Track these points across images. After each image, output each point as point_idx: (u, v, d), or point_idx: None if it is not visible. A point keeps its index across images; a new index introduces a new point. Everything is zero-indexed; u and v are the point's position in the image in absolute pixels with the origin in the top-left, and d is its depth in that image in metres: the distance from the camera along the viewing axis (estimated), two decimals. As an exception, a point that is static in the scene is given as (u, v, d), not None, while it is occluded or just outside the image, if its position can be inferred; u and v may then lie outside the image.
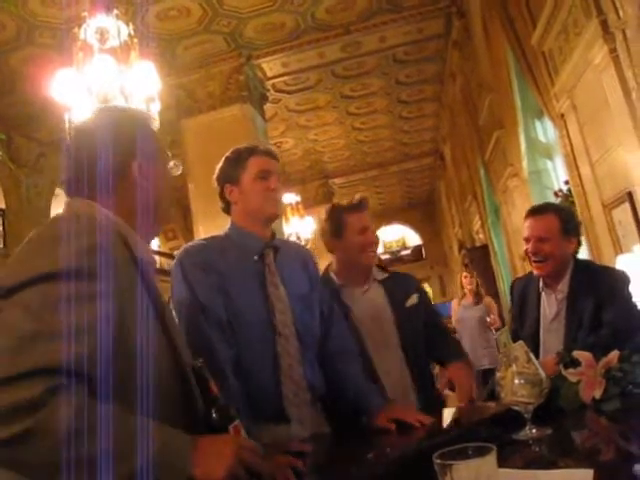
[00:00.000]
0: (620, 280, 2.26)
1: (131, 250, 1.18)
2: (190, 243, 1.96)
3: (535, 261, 2.28)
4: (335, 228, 2.22)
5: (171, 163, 1.41)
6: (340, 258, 2.28)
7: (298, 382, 1.81)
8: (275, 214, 1.93)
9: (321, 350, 1.94)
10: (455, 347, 2.37)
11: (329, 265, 2.33)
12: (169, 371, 1.18)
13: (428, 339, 2.26)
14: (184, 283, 1.77)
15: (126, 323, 1.09)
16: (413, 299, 2.25)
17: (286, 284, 1.88)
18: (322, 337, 1.96)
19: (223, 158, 1.97)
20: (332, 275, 2.29)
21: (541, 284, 2.36)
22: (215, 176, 1.98)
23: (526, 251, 2.33)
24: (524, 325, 2.37)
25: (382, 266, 2.37)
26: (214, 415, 1.18)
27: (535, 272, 2.32)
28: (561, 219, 2.29)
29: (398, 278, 2.36)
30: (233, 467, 1.04)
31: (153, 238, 1.40)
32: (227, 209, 1.98)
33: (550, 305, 2.32)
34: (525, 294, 2.42)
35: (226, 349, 1.72)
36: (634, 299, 2.26)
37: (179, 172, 1.44)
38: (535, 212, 2.36)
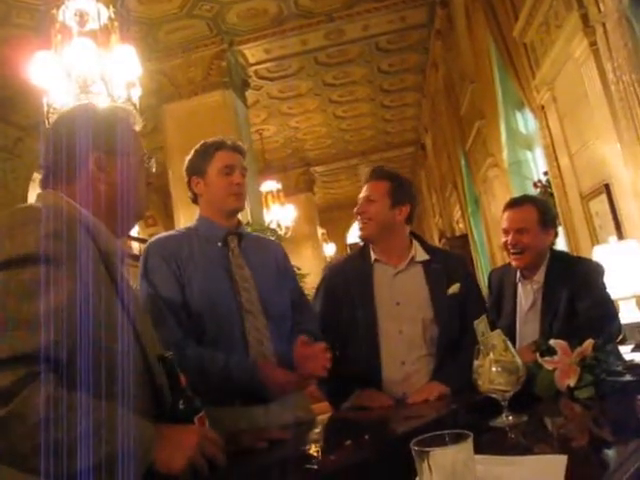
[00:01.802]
0: (595, 271, 2.30)
1: (95, 242, 1.18)
2: (157, 235, 2.05)
3: (514, 253, 2.30)
4: None
5: (151, 160, 1.41)
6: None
7: (268, 357, 1.86)
8: (237, 208, 2.02)
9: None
10: (454, 372, 1.90)
11: None
12: (135, 360, 1.18)
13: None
14: (143, 271, 1.88)
15: (92, 312, 1.09)
16: (455, 288, 2.06)
17: (251, 267, 1.95)
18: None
19: (192, 151, 2.05)
20: (370, 249, 2.17)
21: (518, 275, 2.39)
22: (184, 167, 2.06)
23: (505, 243, 2.34)
24: (501, 315, 2.40)
25: (425, 244, 2.19)
26: (181, 406, 1.21)
27: (513, 264, 2.34)
28: (539, 211, 2.31)
29: (445, 260, 2.15)
30: (193, 458, 1.08)
31: (125, 231, 1.38)
32: (195, 200, 2.07)
33: (526, 295, 2.35)
34: (502, 285, 2.45)
35: (178, 330, 1.79)
36: (608, 289, 2.31)
37: (154, 170, 1.43)
38: (514, 204, 2.38)
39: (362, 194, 2.15)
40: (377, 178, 2.15)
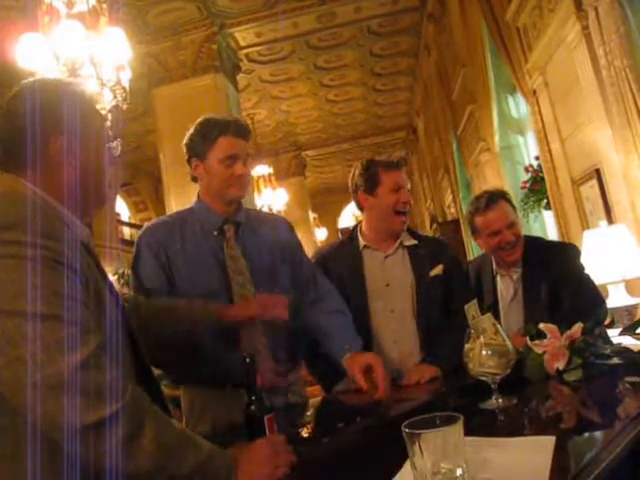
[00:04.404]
0: (572, 255, 2.30)
1: (72, 232, 1.12)
2: (151, 221, 1.99)
3: (510, 249, 2.26)
4: (369, 184, 2.14)
5: (114, 142, 1.32)
6: (369, 216, 2.21)
7: (261, 352, 1.84)
8: (238, 197, 1.93)
9: (309, 305, 1.99)
10: (443, 352, 1.98)
11: (359, 224, 2.28)
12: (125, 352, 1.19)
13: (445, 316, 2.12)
14: (132, 261, 1.86)
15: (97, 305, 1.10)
16: (438, 269, 2.13)
17: (249, 257, 1.88)
18: (312, 295, 2.01)
19: (194, 125, 1.92)
20: (359, 234, 2.22)
21: (495, 267, 2.38)
22: (184, 142, 1.94)
23: (499, 243, 2.26)
24: (482, 308, 2.38)
25: (413, 232, 2.25)
26: (252, 407, 1.29)
27: (510, 259, 2.29)
28: (509, 201, 2.33)
29: (430, 245, 2.23)
30: (271, 476, 1.10)
31: (89, 218, 1.28)
32: (195, 178, 1.97)
33: (506, 287, 2.34)
34: (480, 276, 2.43)
35: None
36: (592, 272, 2.32)
37: (118, 153, 1.33)
38: (490, 204, 2.28)
39: (405, 184, 2.14)
40: (403, 166, 2.18)
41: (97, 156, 1.25)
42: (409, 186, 2.17)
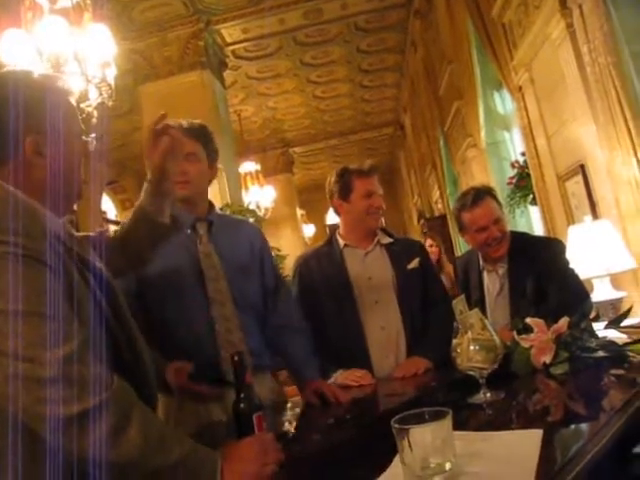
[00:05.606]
0: (558, 250, 2.33)
1: (47, 224, 1.09)
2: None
3: (496, 244, 2.29)
4: (343, 191, 2.30)
5: (89, 138, 1.31)
6: (346, 220, 2.36)
7: (238, 346, 1.85)
8: (180, 196, 1.93)
9: (267, 323, 2.03)
10: (430, 345, 2.12)
11: (337, 227, 2.42)
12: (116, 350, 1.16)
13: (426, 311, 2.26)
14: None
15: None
16: (415, 262, 2.30)
17: (222, 254, 1.94)
18: (269, 311, 2.04)
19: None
20: (337, 236, 2.37)
21: (481, 261, 2.41)
22: None
23: (486, 239, 2.30)
24: (470, 303, 2.39)
25: (389, 232, 2.41)
26: (241, 405, 1.28)
27: (496, 254, 2.32)
28: (496, 199, 2.37)
29: (403, 243, 2.42)
30: (259, 474, 1.09)
31: (65, 213, 1.26)
32: None
33: (492, 282, 2.37)
34: (467, 273, 2.47)
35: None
36: (576, 266, 2.34)
37: (92, 148, 1.31)
38: (476, 201, 2.32)
39: (377, 190, 2.28)
40: (374, 173, 2.32)
41: (75, 154, 1.23)
42: (381, 191, 2.31)
